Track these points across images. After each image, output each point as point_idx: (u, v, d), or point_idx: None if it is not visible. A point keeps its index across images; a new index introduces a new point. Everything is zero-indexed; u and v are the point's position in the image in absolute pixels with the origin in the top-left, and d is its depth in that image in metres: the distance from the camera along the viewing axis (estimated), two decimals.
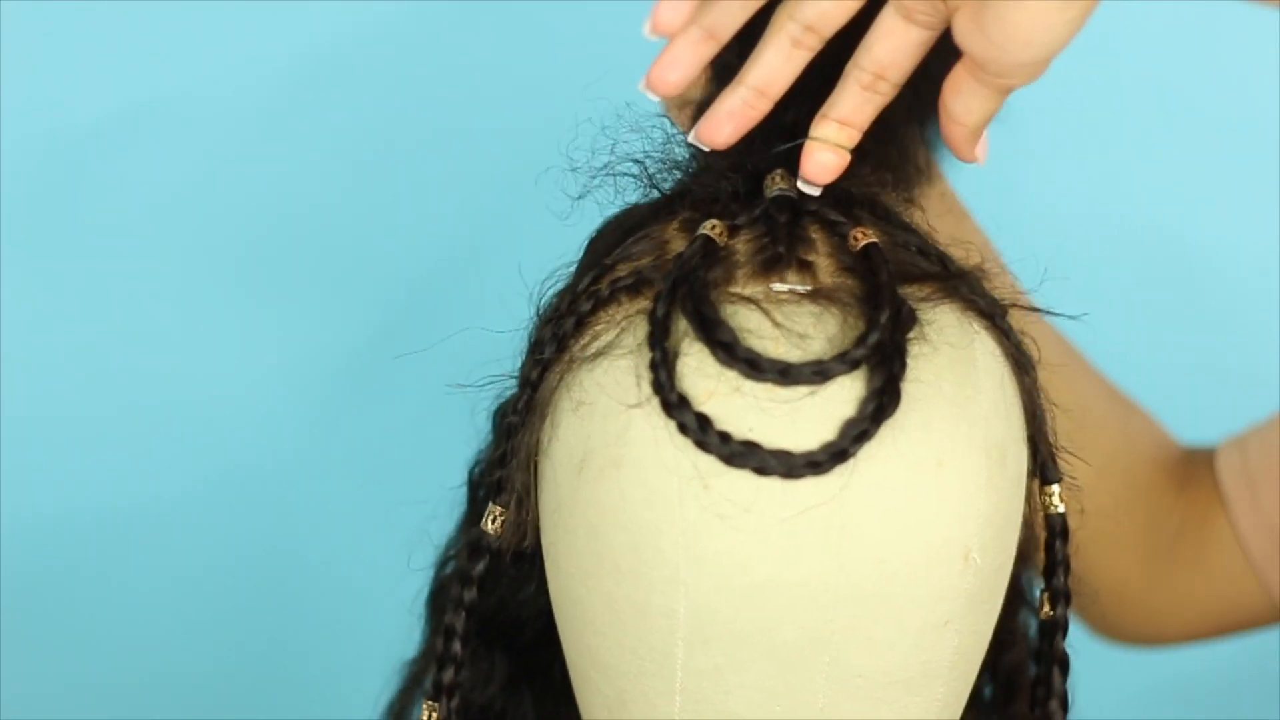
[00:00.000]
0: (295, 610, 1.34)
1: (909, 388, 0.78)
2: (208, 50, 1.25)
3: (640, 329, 0.80)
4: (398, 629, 1.00)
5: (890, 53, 0.81)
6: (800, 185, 0.82)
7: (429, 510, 0.94)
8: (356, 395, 1.30)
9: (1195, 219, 1.50)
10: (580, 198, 0.86)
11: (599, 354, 0.81)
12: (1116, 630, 1.15)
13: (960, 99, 0.81)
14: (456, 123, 1.28)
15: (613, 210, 0.87)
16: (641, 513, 0.78)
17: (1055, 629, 0.87)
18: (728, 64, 0.85)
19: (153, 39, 1.24)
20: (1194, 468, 1.13)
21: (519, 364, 0.86)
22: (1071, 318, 0.88)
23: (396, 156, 1.28)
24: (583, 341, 0.82)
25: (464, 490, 0.93)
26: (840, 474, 0.77)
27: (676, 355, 0.78)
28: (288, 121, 1.27)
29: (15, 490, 1.28)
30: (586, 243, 0.89)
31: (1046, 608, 0.87)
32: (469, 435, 0.90)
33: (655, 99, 0.85)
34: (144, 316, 1.28)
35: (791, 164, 0.84)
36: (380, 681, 1.01)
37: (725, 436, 0.77)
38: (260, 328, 1.29)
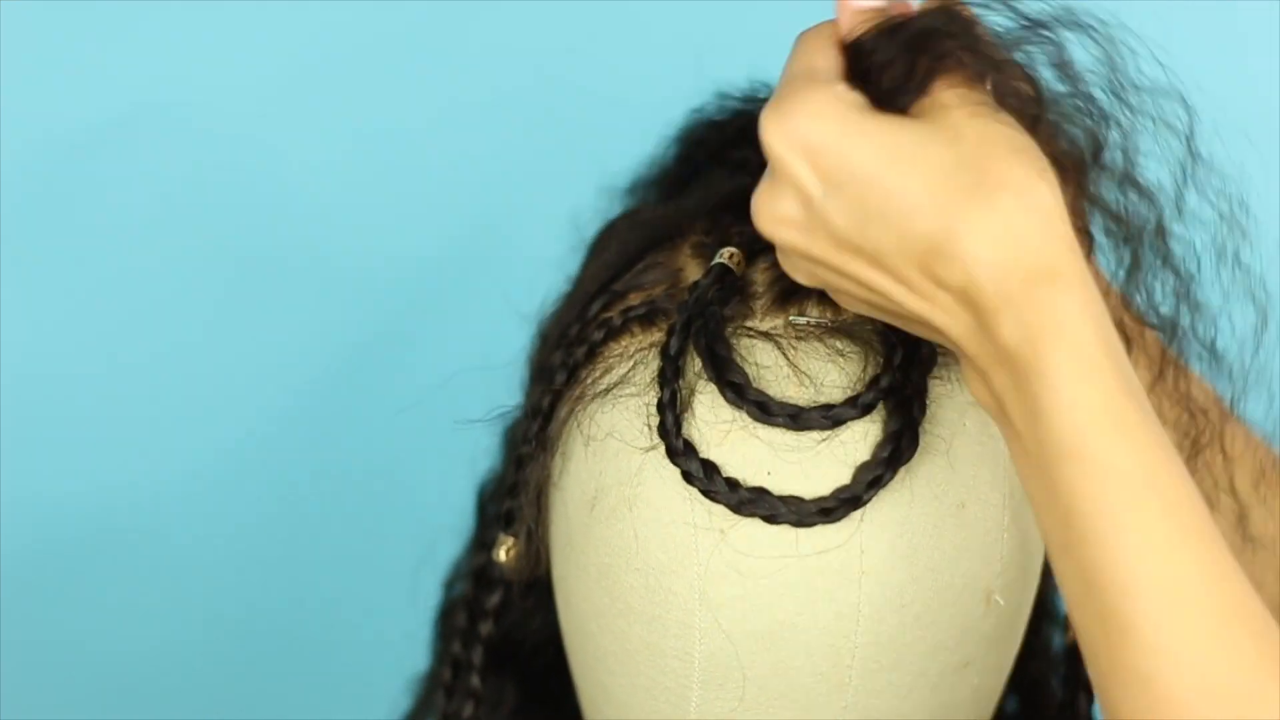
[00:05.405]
0: (299, 613, 1.33)
1: (931, 428, 0.75)
2: (210, 50, 1.23)
3: (653, 364, 0.77)
4: (406, 638, 0.98)
5: None
6: None
7: (444, 520, 0.92)
8: (361, 396, 1.28)
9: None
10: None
11: (610, 389, 0.78)
12: None
13: None
14: (456, 122, 1.25)
15: None
16: (655, 554, 0.76)
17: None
18: None
19: (153, 39, 1.22)
20: None
21: (528, 387, 0.84)
22: None
23: (396, 157, 1.26)
24: (595, 374, 0.79)
25: (475, 507, 0.91)
26: (855, 519, 0.74)
27: (692, 393, 0.76)
28: (287, 121, 1.24)
29: (14, 490, 1.27)
30: (588, 250, 0.86)
31: (1074, 632, 0.85)
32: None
33: None
34: (142, 319, 1.26)
35: None
36: (383, 692, 1.00)
37: (734, 484, 0.74)
38: (266, 331, 1.27)
